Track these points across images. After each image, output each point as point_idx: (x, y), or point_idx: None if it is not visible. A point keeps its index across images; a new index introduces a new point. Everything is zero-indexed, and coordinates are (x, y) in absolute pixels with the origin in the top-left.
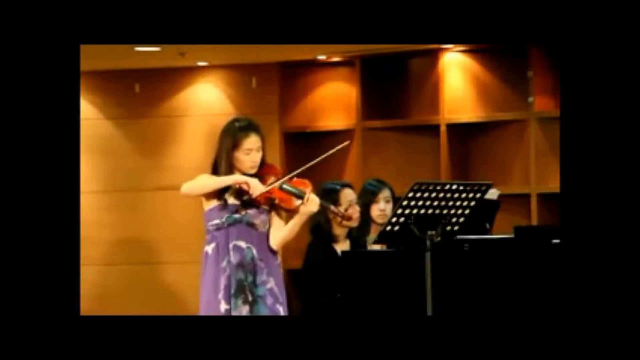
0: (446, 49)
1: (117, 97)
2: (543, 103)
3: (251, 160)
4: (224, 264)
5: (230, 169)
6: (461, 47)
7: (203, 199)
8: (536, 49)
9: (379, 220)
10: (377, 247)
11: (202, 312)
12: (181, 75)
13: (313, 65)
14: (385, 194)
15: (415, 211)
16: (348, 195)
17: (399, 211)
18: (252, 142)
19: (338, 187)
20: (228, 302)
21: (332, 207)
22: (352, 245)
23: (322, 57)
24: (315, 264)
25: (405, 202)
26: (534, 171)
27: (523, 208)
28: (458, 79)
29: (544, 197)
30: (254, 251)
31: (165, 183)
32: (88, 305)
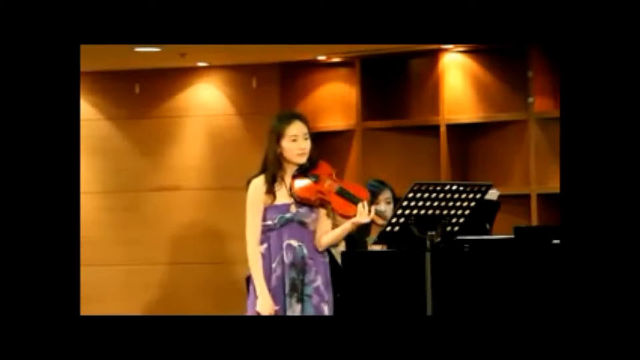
0: (446, 50)
1: (117, 98)
2: (543, 103)
3: (298, 148)
4: (275, 264)
5: (279, 162)
6: (461, 48)
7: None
8: (536, 49)
9: (380, 222)
10: (377, 247)
11: (250, 311)
12: (181, 76)
13: (313, 66)
14: (386, 194)
15: (415, 212)
16: None
17: (399, 211)
18: (295, 128)
19: None
20: (277, 302)
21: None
22: (351, 245)
23: (322, 58)
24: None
25: (405, 203)
26: (534, 171)
27: (523, 208)
28: (458, 80)
29: (543, 198)
30: (305, 249)
31: (165, 183)
32: (88, 305)
